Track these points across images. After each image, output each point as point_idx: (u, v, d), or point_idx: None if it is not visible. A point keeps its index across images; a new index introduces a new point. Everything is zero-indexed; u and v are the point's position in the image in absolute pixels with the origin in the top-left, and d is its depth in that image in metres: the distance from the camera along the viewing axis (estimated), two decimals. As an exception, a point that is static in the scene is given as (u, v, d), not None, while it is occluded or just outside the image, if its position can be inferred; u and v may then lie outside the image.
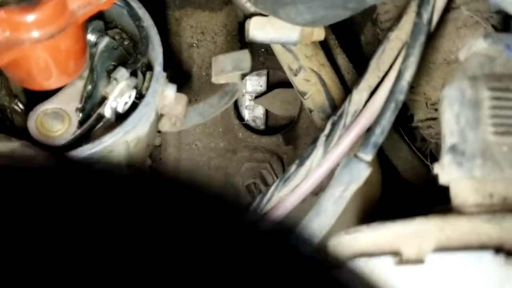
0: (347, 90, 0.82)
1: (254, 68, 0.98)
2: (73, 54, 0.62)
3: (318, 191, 0.64)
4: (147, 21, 0.70)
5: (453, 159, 0.49)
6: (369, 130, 0.57)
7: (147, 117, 0.67)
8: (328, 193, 0.54)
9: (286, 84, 0.97)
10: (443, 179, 0.50)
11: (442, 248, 0.45)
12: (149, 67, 0.71)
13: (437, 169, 0.51)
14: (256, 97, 1.05)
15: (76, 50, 0.62)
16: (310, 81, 0.81)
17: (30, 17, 0.53)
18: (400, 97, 0.55)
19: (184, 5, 0.91)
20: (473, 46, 0.51)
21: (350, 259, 0.49)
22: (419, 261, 0.45)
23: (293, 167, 0.61)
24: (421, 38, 0.56)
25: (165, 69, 0.70)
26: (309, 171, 0.59)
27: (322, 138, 0.61)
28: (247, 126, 1.04)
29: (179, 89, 0.72)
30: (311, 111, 0.83)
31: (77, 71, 0.66)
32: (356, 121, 0.60)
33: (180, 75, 0.93)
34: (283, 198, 0.60)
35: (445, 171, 0.49)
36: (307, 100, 0.82)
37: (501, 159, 0.47)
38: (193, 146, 0.98)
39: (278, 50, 0.82)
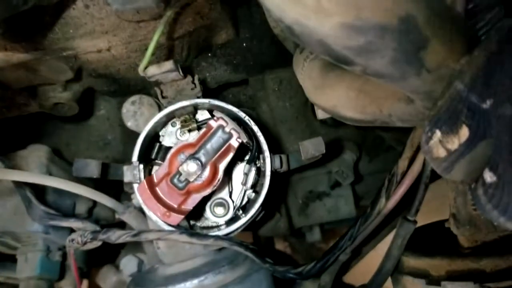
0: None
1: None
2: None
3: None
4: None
5: (454, 223, 0.90)
6: (411, 195, 0.97)
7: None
8: (393, 242, 0.98)
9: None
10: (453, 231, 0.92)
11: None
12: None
13: (448, 224, 0.92)
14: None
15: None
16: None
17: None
18: (426, 180, 0.93)
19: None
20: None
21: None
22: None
23: (368, 209, 1.04)
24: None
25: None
26: (378, 213, 1.02)
27: (383, 190, 1.02)
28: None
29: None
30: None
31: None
32: (402, 182, 0.99)
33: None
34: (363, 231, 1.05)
35: (452, 229, 0.91)
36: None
37: (480, 224, 0.88)
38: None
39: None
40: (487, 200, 0.56)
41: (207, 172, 0.99)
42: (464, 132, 0.56)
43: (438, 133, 0.59)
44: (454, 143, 0.57)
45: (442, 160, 0.59)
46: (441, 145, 0.59)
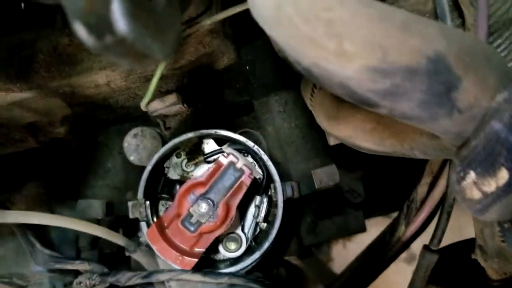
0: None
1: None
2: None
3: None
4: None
5: (481, 255, 0.86)
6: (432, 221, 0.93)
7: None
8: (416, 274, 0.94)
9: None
10: (481, 263, 0.88)
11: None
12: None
13: (474, 256, 0.88)
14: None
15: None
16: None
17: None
18: (449, 209, 0.89)
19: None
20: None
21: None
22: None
23: (387, 236, 1.00)
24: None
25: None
26: (398, 240, 0.98)
27: (402, 217, 0.98)
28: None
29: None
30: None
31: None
32: (422, 209, 0.95)
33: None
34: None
35: (479, 261, 0.87)
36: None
37: (509, 256, 0.84)
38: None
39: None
40: (524, 242, 0.53)
41: (219, 211, 0.94)
42: (503, 175, 0.51)
43: (472, 174, 0.54)
44: (491, 186, 0.53)
45: (476, 202, 0.55)
46: (475, 187, 0.54)
